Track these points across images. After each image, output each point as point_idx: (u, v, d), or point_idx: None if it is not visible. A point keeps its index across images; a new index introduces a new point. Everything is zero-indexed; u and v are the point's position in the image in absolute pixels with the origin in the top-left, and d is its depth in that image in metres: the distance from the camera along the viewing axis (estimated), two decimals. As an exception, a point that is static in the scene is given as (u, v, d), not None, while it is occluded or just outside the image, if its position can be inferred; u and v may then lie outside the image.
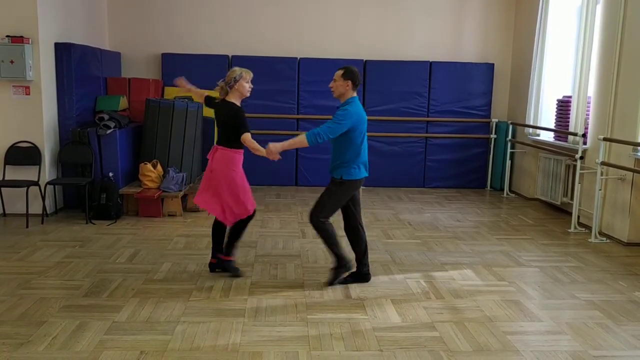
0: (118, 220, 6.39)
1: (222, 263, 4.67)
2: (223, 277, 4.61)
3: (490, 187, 8.94)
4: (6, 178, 6.36)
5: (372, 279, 4.64)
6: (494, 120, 8.84)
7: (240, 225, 4.61)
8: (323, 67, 8.49)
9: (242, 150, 4.49)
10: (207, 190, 4.49)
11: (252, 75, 4.51)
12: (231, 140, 4.42)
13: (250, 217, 4.60)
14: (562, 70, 7.52)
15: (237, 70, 4.47)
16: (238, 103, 4.48)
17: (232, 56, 8.50)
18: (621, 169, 5.83)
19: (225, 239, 4.65)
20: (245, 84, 4.47)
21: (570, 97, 7.10)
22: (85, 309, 3.93)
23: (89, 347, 3.38)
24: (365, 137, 4.43)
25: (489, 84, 8.81)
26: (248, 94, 4.54)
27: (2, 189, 6.35)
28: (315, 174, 8.68)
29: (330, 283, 4.49)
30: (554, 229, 6.48)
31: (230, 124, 4.39)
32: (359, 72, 4.41)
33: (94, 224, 6.24)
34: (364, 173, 4.44)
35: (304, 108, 8.54)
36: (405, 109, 8.70)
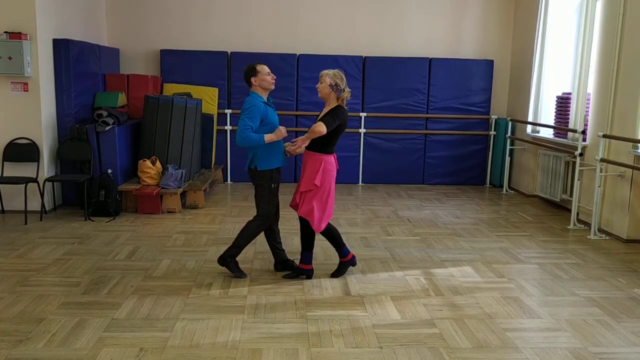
0: (117, 217, 6.38)
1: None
2: (222, 274, 4.60)
3: (490, 183, 8.94)
4: (5, 175, 6.35)
5: (372, 275, 4.65)
6: (494, 116, 8.83)
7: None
8: (322, 64, 8.40)
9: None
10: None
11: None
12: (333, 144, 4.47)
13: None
14: (562, 67, 7.51)
15: (344, 79, 4.42)
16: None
17: (231, 53, 8.48)
18: (621, 166, 5.83)
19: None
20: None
21: (569, 93, 7.09)
22: (84, 306, 3.92)
23: (88, 344, 3.37)
24: None
25: (489, 81, 8.80)
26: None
27: (1, 185, 6.34)
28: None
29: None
30: (553, 226, 6.48)
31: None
32: (250, 67, 4.48)
33: (92, 220, 6.22)
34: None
35: (303, 104, 8.52)
36: (405, 105, 8.69)
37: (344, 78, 4.41)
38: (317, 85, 4.47)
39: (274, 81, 4.48)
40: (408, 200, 7.73)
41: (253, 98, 4.39)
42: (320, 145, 4.35)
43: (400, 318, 3.86)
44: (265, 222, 4.55)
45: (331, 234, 4.57)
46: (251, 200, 7.41)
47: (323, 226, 4.42)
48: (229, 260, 4.59)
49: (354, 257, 4.70)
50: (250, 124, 4.26)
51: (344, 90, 4.37)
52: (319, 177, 4.32)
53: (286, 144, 4.54)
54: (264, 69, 4.45)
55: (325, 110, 4.42)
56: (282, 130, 4.39)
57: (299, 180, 4.49)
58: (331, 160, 4.41)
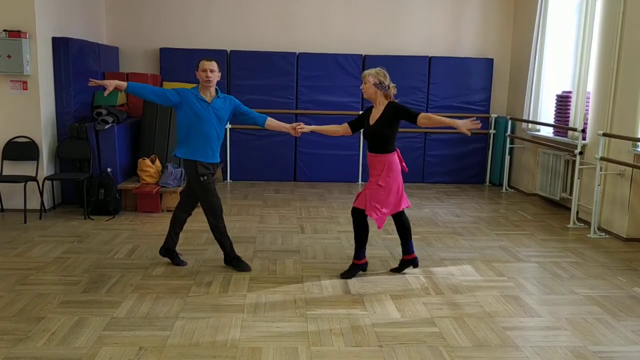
0: (116, 216, 6.37)
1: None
2: (222, 273, 4.60)
3: (489, 182, 8.94)
4: (4, 173, 6.34)
5: (372, 274, 4.65)
6: (493, 115, 8.83)
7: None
8: (322, 62, 8.47)
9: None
10: None
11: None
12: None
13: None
14: (562, 66, 7.50)
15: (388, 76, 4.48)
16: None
17: (231, 51, 8.47)
18: (620, 165, 5.83)
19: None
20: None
21: (569, 92, 7.08)
22: (83, 305, 3.92)
23: (88, 342, 3.37)
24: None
25: (488, 79, 8.79)
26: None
27: (0, 184, 6.33)
28: (314, 169, 8.68)
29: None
30: (553, 225, 6.48)
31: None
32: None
33: (92, 219, 6.22)
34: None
35: (303, 103, 8.51)
36: (405, 104, 8.64)
37: (387, 75, 4.44)
38: (361, 87, 4.54)
39: (207, 78, 4.51)
40: (408, 198, 7.70)
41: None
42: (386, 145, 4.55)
43: (400, 317, 3.85)
44: (218, 213, 4.69)
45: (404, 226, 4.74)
46: (251, 199, 7.44)
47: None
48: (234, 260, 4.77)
49: (366, 263, 4.72)
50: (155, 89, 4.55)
51: (389, 87, 4.42)
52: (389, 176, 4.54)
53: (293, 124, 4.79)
54: (202, 64, 4.53)
55: (377, 110, 4.51)
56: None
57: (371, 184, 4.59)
58: (396, 158, 4.64)
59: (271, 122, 4.77)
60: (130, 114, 7.52)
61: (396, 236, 5.81)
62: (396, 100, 4.48)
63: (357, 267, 4.64)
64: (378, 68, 4.45)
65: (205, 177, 4.51)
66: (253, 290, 4.27)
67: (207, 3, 8.52)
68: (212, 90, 4.56)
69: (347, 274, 4.58)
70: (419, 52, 8.71)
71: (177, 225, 4.83)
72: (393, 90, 4.47)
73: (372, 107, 4.58)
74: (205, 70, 4.48)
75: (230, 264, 4.72)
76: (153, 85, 4.49)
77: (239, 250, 5.20)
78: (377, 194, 4.44)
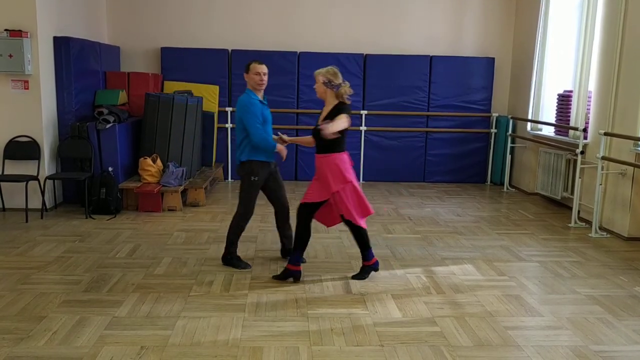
0: (118, 215, 6.38)
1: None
2: (223, 272, 4.60)
3: (491, 181, 8.93)
4: (5, 173, 6.35)
5: (373, 273, 4.64)
6: (494, 114, 8.82)
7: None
8: (323, 62, 8.38)
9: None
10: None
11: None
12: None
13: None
14: (563, 65, 7.50)
15: (340, 75, 4.35)
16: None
17: (232, 50, 8.47)
18: (622, 164, 5.82)
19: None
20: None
21: (571, 91, 7.07)
22: (85, 304, 3.92)
23: (89, 342, 3.37)
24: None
25: (490, 79, 8.78)
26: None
27: (2, 183, 6.34)
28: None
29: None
30: (554, 224, 6.47)
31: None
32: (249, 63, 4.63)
33: (93, 218, 6.22)
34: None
35: (304, 102, 8.51)
36: (406, 103, 8.68)
37: (338, 74, 4.34)
38: (314, 87, 4.47)
39: (261, 82, 4.55)
40: (409, 198, 7.73)
41: (247, 96, 4.56)
42: (330, 146, 4.34)
43: (401, 316, 3.85)
44: (242, 216, 4.67)
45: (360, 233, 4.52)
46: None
47: (362, 221, 4.42)
48: (229, 257, 4.70)
49: (377, 262, 4.64)
50: (258, 124, 4.44)
51: (340, 86, 4.32)
52: (336, 180, 4.32)
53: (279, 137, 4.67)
54: (254, 67, 4.54)
55: (326, 110, 4.40)
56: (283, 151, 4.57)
57: (314, 187, 4.45)
58: (344, 158, 4.40)
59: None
60: (132, 114, 7.52)
61: (398, 235, 5.84)
62: (348, 102, 4.36)
63: (369, 268, 4.58)
64: (329, 67, 4.37)
65: (256, 178, 4.55)
66: (254, 289, 4.27)
67: (208, 2, 8.51)
68: (261, 93, 4.61)
69: (359, 276, 4.55)
70: (420, 51, 8.71)
71: (280, 231, 4.90)
72: (347, 90, 4.34)
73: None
74: (258, 74, 4.51)
75: (228, 264, 4.72)
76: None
77: (240, 249, 5.21)
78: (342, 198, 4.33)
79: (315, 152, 4.42)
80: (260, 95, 4.61)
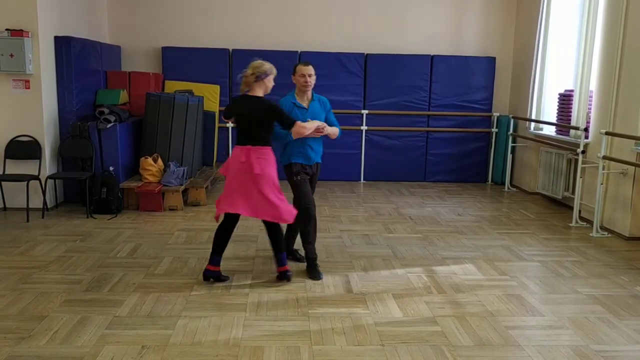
0: (119, 215, 6.38)
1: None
2: (224, 272, 4.59)
3: (492, 181, 8.93)
4: (6, 172, 6.36)
5: (374, 273, 4.65)
6: (495, 114, 8.82)
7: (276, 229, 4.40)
8: (324, 61, 8.46)
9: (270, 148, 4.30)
10: (250, 196, 4.17)
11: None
12: (264, 137, 4.24)
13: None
14: (564, 64, 7.49)
15: (265, 63, 4.26)
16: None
17: (233, 50, 8.47)
18: (623, 163, 5.82)
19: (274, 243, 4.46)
20: (273, 80, 4.34)
21: (572, 90, 7.07)
22: (86, 304, 3.92)
23: (90, 341, 3.37)
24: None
25: (491, 78, 8.78)
26: (269, 92, 4.39)
27: (3, 183, 6.34)
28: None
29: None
30: (555, 224, 6.47)
31: (271, 119, 4.21)
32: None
33: (94, 218, 6.23)
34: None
35: (305, 102, 8.51)
36: (406, 102, 8.68)
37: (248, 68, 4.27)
38: (309, 81, 4.53)
39: (306, 83, 4.49)
40: (410, 197, 7.72)
41: (284, 97, 4.58)
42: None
43: (402, 316, 3.85)
44: (302, 214, 4.54)
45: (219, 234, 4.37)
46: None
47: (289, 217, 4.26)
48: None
49: (288, 271, 4.45)
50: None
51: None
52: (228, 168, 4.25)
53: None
54: (299, 69, 4.52)
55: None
56: (308, 125, 4.33)
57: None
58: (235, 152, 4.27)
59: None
60: (132, 113, 7.52)
61: (398, 235, 5.84)
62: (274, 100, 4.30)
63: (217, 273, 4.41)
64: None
65: (299, 177, 4.54)
66: (255, 289, 4.27)
67: (209, 2, 8.51)
68: (309, 93, 4.57)
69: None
70: (421, 50, 8.70)
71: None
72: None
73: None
74: (303, 75, 4.48)
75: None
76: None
77: (240, 249, 5.22)
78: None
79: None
80: (304, 98, 4.55)
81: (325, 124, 4.49)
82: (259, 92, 4.24)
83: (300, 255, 4.85)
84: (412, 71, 8.61)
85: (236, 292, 4.19)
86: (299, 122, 4.27)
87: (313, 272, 4.54)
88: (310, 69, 4.52)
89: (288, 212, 4.25)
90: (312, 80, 4.52)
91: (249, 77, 4.21)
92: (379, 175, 8.76)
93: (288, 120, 4.24)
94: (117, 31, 8.47)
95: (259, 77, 4.20)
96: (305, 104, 4.55)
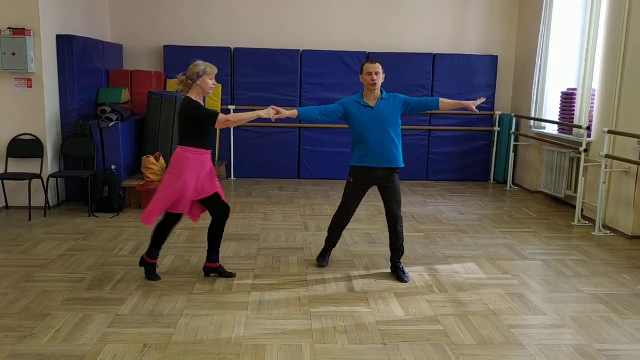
0: (121, 213, 6.39)
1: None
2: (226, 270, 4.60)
3: (494, 180, 8.92)
4: (9, 171, 6.36)
5: (376, 272, 4.64)
6: (498, 113, 8.80)
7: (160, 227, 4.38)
8: (326, 60, 8.47)
9: (197, 149, 4.16)
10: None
11: (216, 71, 4.24)
12: (184, 137, 4.18)
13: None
14: (567, 63, 7.47)
15: (200, 64, 4.17)
16: (199, 100, 4.20)
17: (235, 48, 8.47)
18: (626, 162, 5.80)
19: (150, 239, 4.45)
20: (209, 80, 4.17)
21: (574, 89, 7.05)
22: (88, 302, 3.93)
23: (92, 340, 3.38)
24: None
25: (493, 77, 8.76)
26: (210, 92, 4.26)
27: (5, 181, 6.35)
28: (318, 166, 8.67)
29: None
30: (557, 222, 6.46)
31: (187, 120, 4.15)
32: None
33: (96, 216, 6.23)
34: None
35: (306, 100, 8.50)
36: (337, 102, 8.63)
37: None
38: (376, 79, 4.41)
39: (372, 82, 4.38)
40: (412, 196, 7.72)
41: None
42: None
43: (404, 314, 3.85)
44: (337, 214, 4.71)
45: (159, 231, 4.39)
46: (255, 197, 7.44)
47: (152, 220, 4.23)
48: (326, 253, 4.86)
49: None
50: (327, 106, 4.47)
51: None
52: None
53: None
54: (366, 68, 4.43)
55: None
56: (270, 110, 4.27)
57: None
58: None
59: (444, 102, 4.61)
60: (134, 112, 7.52)
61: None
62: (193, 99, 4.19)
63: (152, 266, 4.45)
64: (210, 64, 4.26)
65: (352, 179, 4.57)
66: (257, 287, 4.27)
67: (211, 0, 8.51)
68: (377, 92, 4.44)
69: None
70: (423, 49, 8.69)
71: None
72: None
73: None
74: (370, 74, 4.37)
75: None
76: (320, 107, 4.46)
77: (242, 247, 5.22)
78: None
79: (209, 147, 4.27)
80: (372, 97, 4.44)
81: (274, 108, 4.27)
82: (192, 93, 4.19)
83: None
84: (414, 70, 8.59)
85: (238, 291, 4.19)
86: (222, 115, 4.15)
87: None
88: (377, 67, 4.38)
89: (146, 213, 4.21)
90: (378, 79, 4.38)
91: (182, 78, 4.22)
92: (381, 174, 8.75)
93: (206, 114, 4.15)
94: (119, 30, 8.47)
95: (191, 78, 4.18)
96: (372, 103, 4.42)
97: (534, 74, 7.92)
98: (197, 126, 4.15)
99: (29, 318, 3.66)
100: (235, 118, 4.36)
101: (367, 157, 4.48)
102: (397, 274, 4.54)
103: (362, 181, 4.56)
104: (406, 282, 4.45)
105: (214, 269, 4.43)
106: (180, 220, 4.44)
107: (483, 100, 4.66)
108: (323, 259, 4.81)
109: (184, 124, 4.18)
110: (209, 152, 4.26)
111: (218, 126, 4.17)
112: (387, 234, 5.81)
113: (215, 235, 4.38)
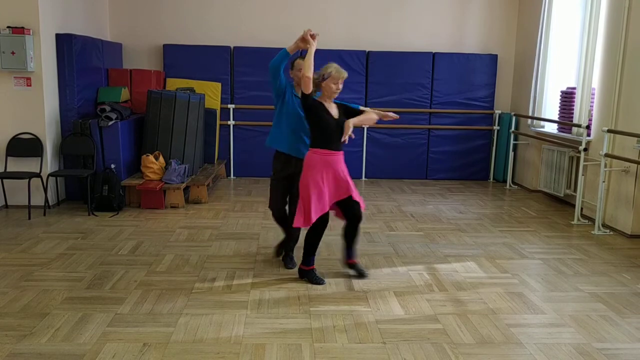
0: (120, 212, 6.38)
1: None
2: (225, 269, 4.60)
3: (493, 179, 8.92)
4: (8, 170, 6.36)
5: (375, 271, 4.64)
6: (497, 111, 8.80)
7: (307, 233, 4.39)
8: (325, 58, 8.41)
9: (317, 150, 4.25)
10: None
11: (344, 76, 4.35)
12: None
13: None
14: (566, 61, 7.47)
15: (329, 67, 4.35)
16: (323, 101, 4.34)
17: (234, 47, 8.46)
18: (625, 161, 5.80)
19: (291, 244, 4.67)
20: (332, 85, 4.31)
21: (574, 88, 7.05)
22: (88, 301, 3.93)
23: (92, 339, 3.38)
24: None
25: (492, 75, 8.76)
26: (333, 96, 4.39)
27: (4, 180, 6.35)
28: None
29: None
30: (557, 221, 6.46)
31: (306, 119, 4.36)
32: None
33: (96, 215, 6.23)
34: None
35: (306, 99, 8.49)
36: (408, 100, 8.67)
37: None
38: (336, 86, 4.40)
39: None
40: (411, 195, 7.72)
41: None
42: None
43: (403, 313, 3.85)
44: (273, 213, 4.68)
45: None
46: (255, 196, 7.44)
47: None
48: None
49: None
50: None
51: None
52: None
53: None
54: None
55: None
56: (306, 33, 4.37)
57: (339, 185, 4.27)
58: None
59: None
60: (134, 111, 7.52)
61: (400, 232, 5.83)
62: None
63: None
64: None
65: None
66: (257, 286, 4.27)
67: (210, -1, 8.52)
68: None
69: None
70: (422, 48, 8.69)
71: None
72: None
73: None
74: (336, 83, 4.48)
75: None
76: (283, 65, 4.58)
77: (242, 246, 5.22)
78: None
79: (338, 148, 4.31)
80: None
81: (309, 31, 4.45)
82: (322, 93, 4.41)
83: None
84: (414, 69, 8.59)
85: (238, 290, 4.19)
86: (303, 83, 4.31)
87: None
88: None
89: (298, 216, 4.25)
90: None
91: (314, 77, 4.35)
92: (381, 173, 8.76)
93: (302, 97, 4.37)
94: (118, 29, 8.47)
95: (318, 79, 4.38)
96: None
97: (534, 73, 7.91)
98: (311, 125, 4.28)
99: (28, 317, 3.66)
100: (306, 69, 4.32)
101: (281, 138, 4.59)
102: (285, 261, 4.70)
103: (283, 171, 4.58)
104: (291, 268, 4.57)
105: (305, 272, 4.40)
106: (328, 223, 4.36)
107: (395, 116, 4.62)
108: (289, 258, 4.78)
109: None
110: (331, 152, 4.24)
111: (305, 90, 4.23)
112: (387, 232, 5.84)
113: (314, 239, 4.35)
